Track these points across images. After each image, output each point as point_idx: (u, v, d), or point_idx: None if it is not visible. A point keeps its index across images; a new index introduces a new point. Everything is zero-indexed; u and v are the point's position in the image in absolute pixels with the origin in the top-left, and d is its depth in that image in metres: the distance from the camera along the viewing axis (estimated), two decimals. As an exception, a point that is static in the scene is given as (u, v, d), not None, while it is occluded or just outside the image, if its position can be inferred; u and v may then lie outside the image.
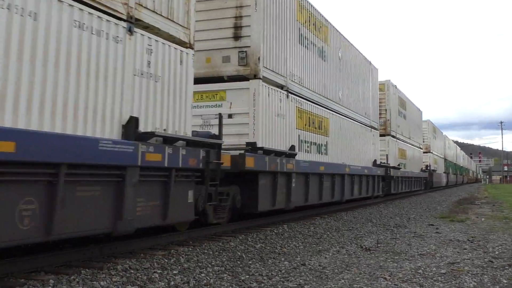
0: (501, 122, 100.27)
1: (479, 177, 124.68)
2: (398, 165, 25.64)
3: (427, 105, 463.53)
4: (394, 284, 6.03)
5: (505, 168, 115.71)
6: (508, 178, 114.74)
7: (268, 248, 8.63)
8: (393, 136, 25.83)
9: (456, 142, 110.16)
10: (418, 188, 33.13)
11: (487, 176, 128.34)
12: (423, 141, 37.87)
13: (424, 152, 37.69)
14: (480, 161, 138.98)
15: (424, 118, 43.04)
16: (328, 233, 11.01)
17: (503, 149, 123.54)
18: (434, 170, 40.65)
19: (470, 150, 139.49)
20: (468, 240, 10.15)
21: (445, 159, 52.18)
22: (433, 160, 42.07)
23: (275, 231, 10.41)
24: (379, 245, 9.31)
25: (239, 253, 7.89)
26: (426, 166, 37.94)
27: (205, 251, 7.75)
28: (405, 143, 29.36)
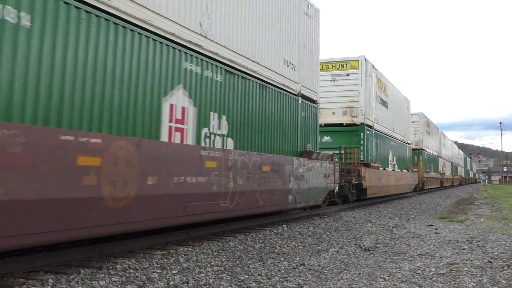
0: (500, 123, 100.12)
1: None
2: None
3: (427, 105, 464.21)
4: (393, 285, 6.04)
5: (505, 169, 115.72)
6: (507, 179, 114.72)
7: (268, 248, 8.63)
8: None
9: (456, 143, 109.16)
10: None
11: (487, 177, 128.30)
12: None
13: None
14: (479, 161, 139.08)
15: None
16: (328, 233, 11.01)
17: (503, 150, 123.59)
18: None
19: (470, 150, 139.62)
20: (467, 240, 10.16)
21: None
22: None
23: (274, 231, 10.41)
24: (378, 245, 9.31)
25: (238, 253, 7.89)
26: None
27: (204, 251, 7.75)
28: None
